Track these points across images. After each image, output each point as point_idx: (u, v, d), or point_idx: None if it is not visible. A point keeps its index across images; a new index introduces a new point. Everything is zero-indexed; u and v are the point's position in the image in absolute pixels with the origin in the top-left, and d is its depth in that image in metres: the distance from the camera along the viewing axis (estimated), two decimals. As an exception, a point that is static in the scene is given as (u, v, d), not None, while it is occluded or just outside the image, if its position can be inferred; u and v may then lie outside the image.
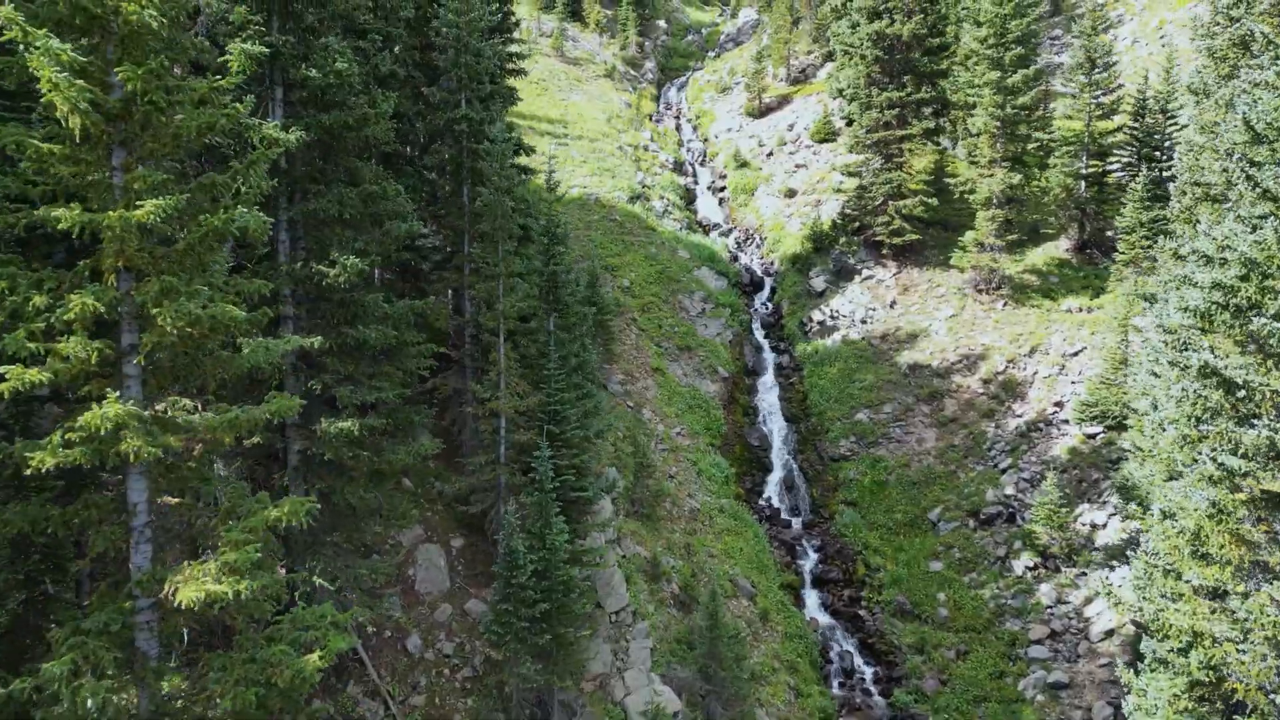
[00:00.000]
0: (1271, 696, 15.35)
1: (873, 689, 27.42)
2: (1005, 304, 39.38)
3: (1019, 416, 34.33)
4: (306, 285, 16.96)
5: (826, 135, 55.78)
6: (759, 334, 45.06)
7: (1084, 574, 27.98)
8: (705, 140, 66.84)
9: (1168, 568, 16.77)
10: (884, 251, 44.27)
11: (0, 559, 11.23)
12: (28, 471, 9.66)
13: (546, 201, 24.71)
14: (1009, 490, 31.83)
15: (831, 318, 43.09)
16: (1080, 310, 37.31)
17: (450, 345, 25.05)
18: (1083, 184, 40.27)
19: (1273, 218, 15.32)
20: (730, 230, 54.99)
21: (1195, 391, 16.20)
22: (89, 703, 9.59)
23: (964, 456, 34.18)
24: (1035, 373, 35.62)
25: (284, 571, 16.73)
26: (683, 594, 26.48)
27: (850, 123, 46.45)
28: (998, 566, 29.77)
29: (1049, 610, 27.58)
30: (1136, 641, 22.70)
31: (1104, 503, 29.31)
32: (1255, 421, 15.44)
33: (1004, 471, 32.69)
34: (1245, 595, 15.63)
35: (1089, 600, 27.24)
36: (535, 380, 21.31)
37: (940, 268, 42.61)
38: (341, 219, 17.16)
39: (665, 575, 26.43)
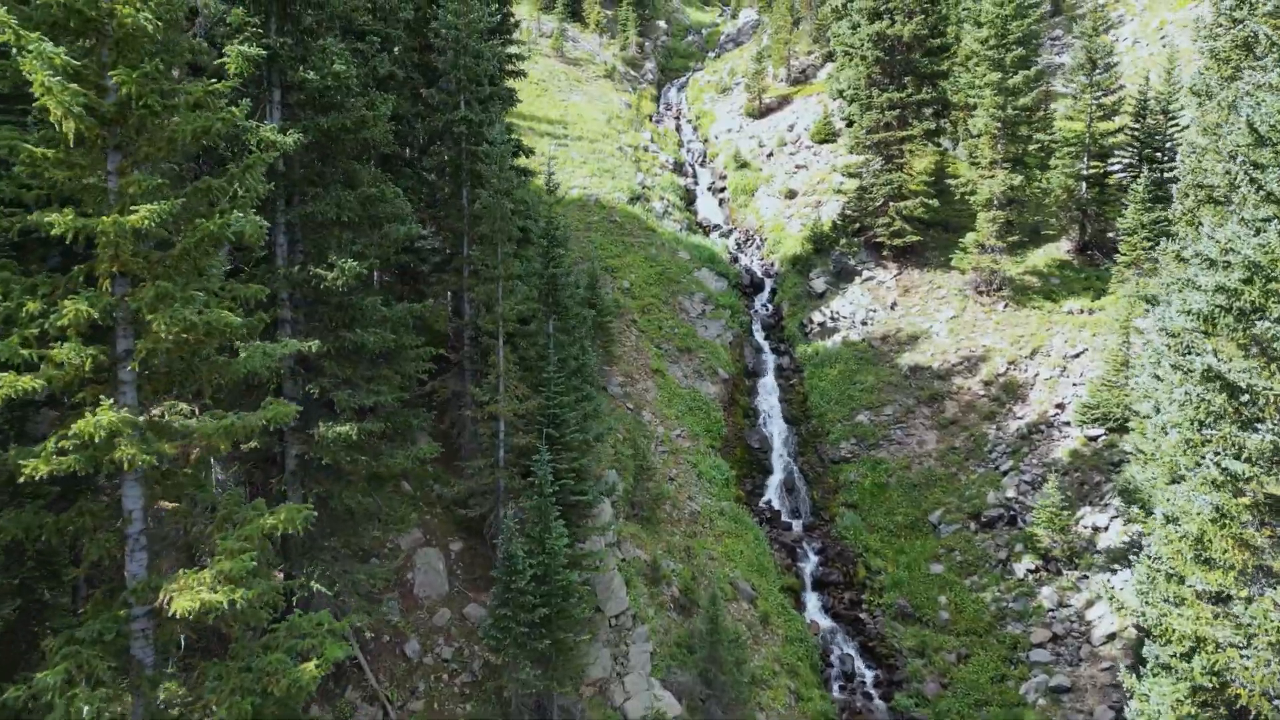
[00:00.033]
0: (1275, 702, 15.26)
1: (873, 693, 27.32)
2: (1006, 305, 39.29)
3: (1020, 419, 34.24)
4: (304, 288, 16.87)
5: (827, 136, 55.70)
6: (759, 335, 44.96)
7: (1085, 577, 27.89)
8: (705, 141, 66.74)
9: (1170, 572, 16.67)
10: (884, 253, 44.18)
11: (-5, 566, 11.15)
12: (21, 479, 9.55)
13: (546, 203, 24.64)
14: (1010, 493, 31.74)
15: (832, 319, 42.99)
16: (1081, 312, 37.22)
17: (449, 348, 24.96)
18: (1084, 185, 40.18)
19: (1276, 220, 15.23)
20: (730, 231, 54.89)
21: (1198, 395, 16.11)
22: (84, 712, 9.49)
23: (965, 459, 34.08)
24: (1036, 374, 35.52)
25: (281, 576, 16.65)
26: (683, 597, 26.39)
27: (851, 124, 46.36)
28: (999, 569, 29.67)
29: (1050, 613, 27.49)
30: (1138, 645, 22.61)
31: (1106, 505, 29.21)
32: (1259, 426, 15.36)
33: (1005, 474, 32.59)
34: (1248, 600, 15.55)
35: (1091, 603, 27.15)
36: (535, 383, 21.22)
37: (941, 269, 42.52)
38: (340, 222, 17.06)
39: (665, 578, 26.33)
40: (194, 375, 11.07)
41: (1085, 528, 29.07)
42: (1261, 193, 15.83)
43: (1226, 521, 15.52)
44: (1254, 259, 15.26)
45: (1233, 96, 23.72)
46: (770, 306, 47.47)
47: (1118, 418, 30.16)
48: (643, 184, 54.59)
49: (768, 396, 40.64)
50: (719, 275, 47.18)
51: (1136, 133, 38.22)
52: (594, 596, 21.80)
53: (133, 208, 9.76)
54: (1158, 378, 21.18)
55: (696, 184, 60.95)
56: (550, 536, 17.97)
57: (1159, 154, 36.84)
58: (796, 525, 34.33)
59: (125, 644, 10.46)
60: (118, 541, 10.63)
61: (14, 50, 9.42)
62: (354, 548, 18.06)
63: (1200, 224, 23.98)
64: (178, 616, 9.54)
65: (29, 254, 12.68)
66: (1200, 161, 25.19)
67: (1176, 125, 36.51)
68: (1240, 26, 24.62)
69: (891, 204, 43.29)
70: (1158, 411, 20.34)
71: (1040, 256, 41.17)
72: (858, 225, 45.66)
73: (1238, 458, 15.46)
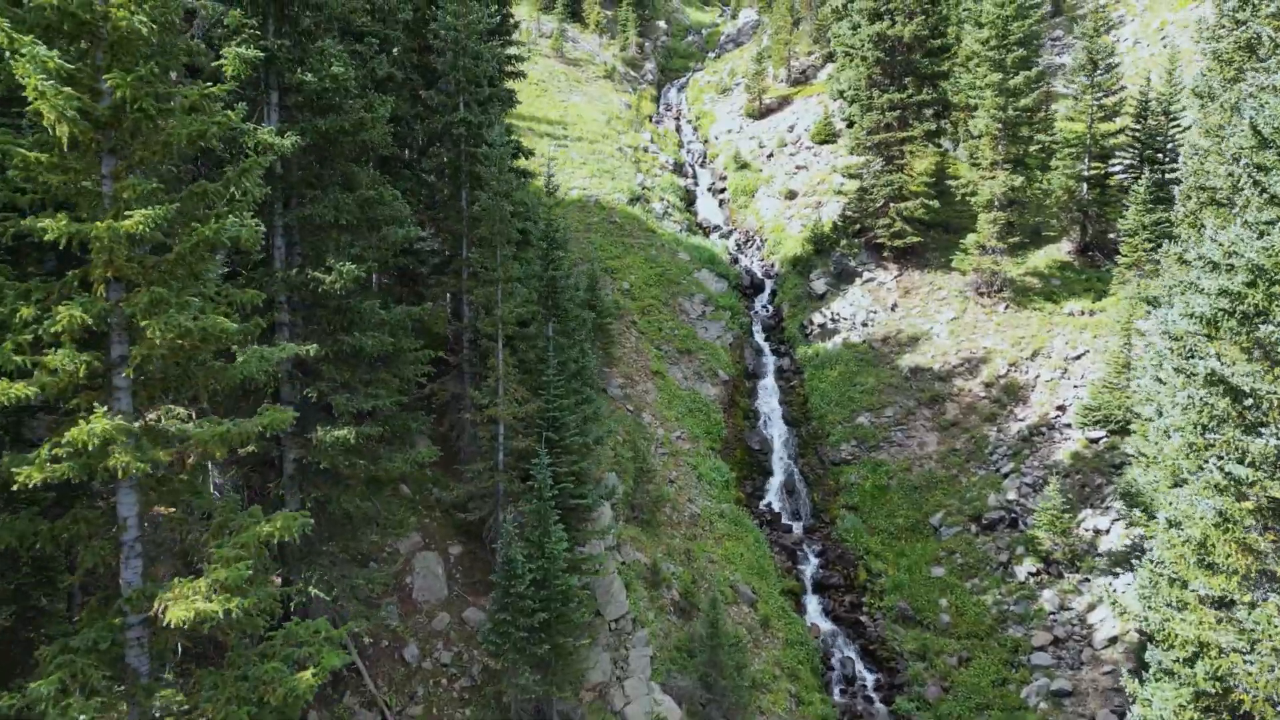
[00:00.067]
0: (1279, 708, 15.15)
1: (874, 696, 27.23)
2: (1007, 307, 39.19)
3: (1021, 420, 34.13)
4: (302, 292, 16.77)
5: (827, 137, 55.61)
6: (759, 337, 44.87)
7: (1087, 580, 27.79)
8: (705, 141, 66.65)
9: (1173, 576, 16.58)
10: (885, 254, 44.08)
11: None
12: (15, 487, 9.46)
13: (546, 205, 24.55)
14: (1011, 495, 31.64)
15: (832, 320, 42.90)
16: (1082, 313, 37.11)
17: (449, 350, 24.86)
18: (1084, 186, 40.08)
19: (1280, 223, 15.13)
20: (730, 232, 54.80)
21: (1201, 399, 16.01)
22: (78, 720, 9.41)
23: (966, 461, 33.98)
24: (1037, 376, 35.42)
25: (279, 581, 16.56)
26: (683, 601, 26.30)
27: (851, 124, 46.26)
28: (1000, 572, 29.57)
29: (1052, 616, 27.39)
30: (1140, 649, 22.52)
31: (1107, 508, 29.12)
32: (1262, 430, 15.26)
33: (1006, 476, 32.49)
34: (1252, 605, 15.45)
35: (1092, 606, 27.05)
36: (534, 386, 21.11)
37: (941, 270, 42.41)
38: (338, 224, 16.96)
39: (665, 582, 26.24)
40: (190, 381, 10.98)
41: (1086, 530, 28.98)
42: (1265, 195, 15.73)
43: (1229, 526, 15.43)
44: (1258, 262, 15.16)
45: (1235, 98, 23.62)
46: (770, 308, 47.37)
47: (1119, 420, 30.06)
48: (643, 185, 54.50)
49: (768, 398, 40.54)
50: (719, 276, 47.09)
51: (1137, 134, 38.12)
52: (594, 600, 21.70)
53: (127, 213, 9.67)
54: (1160, 381, 21.08)
55: (696, 185, 60.86)
56: (550, 541, 17.88)
57: (1160, 155, 36.74)
58: (797, 527, 34.23)
59: (120, 652, 10.38)
60: (113, 549, 10.54)
61: (7, 54, 9.32)
62: (352, 552, 17.96)
63: (1203, 226, 23.88)
64: (172, 626, 9.44)
65: (25, 257, 12.61)
66: (1203, 163, 25.09)
67: (1178, 126, 36.41)
68: (1243, 28, 24.52)
69: (892, 205, 43.19)
70: (1160, 415, 20.24)
71: (1041, 258, 41.08)
72: (858, 226, 45.55)
73: (1241, 462, 15.36)
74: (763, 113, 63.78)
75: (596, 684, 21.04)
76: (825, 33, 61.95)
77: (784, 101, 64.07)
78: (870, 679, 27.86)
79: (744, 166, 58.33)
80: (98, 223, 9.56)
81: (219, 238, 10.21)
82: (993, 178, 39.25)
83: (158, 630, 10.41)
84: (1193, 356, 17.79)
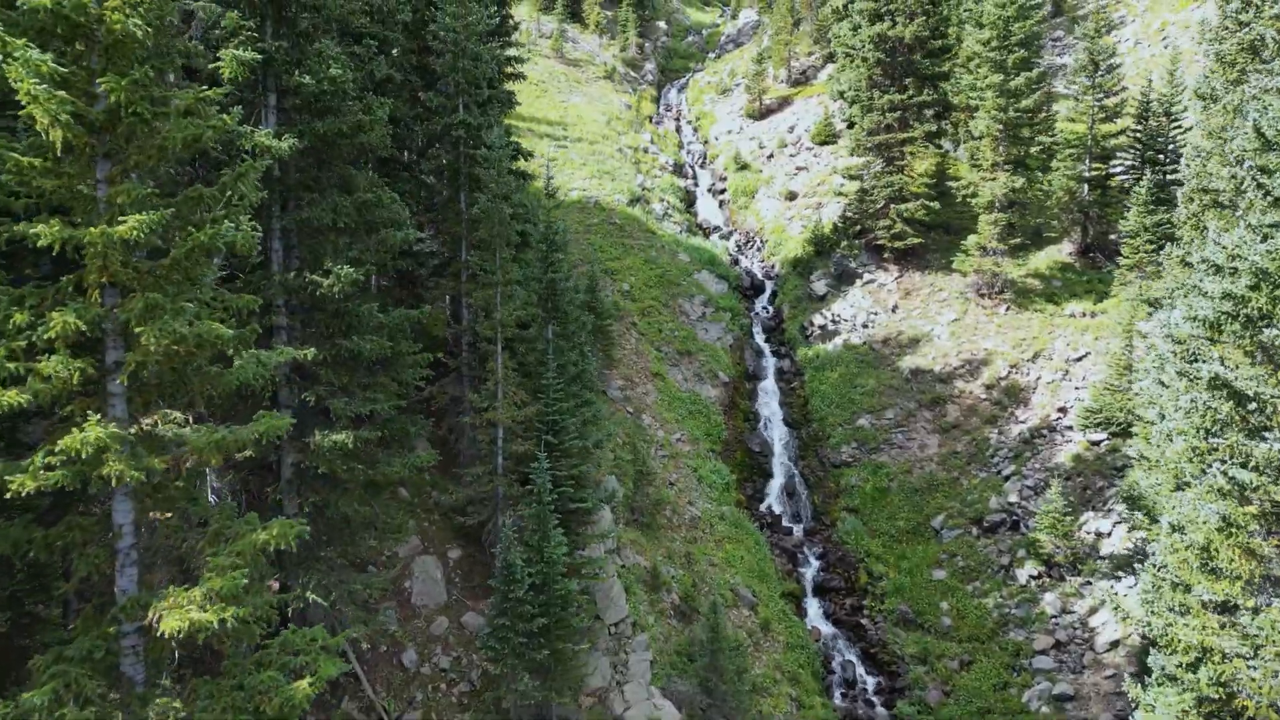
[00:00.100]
0: (1283, 715, 15.05)
1: (875, 700, 27.13)
2: (1008, 308, 39.10)
3: (1022, 422, 34.03)
4: (300, 295, 16.68)
5: (827, 137, 55.51)
6: (760, 338, 44.77)
7: (1089, 583, 27.69)
8: (705, 142, 66.54)
9: (1176, 581, 16.48)
10: (885, 255, 43.99)
11: (-17, 581, 10.96)
12: (8, 495, 9.36)
13: (545, 207, 24.46)
14: (1012, 497, 31.54)
15: (833, 322, 42.80)
16: (1084, 315, 37.02)
17: (448, 352, 24.76)
18: (1085, 187, 39.97)
19: (1285, 227, 15.03)
20: (731, 233, 54.70)
21: (1205, 403, 15.91)
22: (72, 731, 9.31)
23: (967, 463, 33.88)
24: (1039, 378, 35.32)
25: (276, 587, 16.46)
26: (683, 604, 26.19)
27: (851, 125, 46.17)
28: (1001, 575, 29.47)
29: (1053, 620, 27.29)
30: (1143, 653, 22.41)
31: (1109, 511, 29.02)
32: (1266, 434, 15.17)
33: (1007, 478, 32.39)
34: (1256, 610, 15.36)
35: (1094, 610, 26.95)
36: (533, 389, 21.03)
37: (942, 271, 42.32)
38: (336, 227, 16.88)
39: (665, 585, 26.14)
40: (185, 386, 10.88)
41: (1088, 533, 28.88)
42: (1269, 198, 15.64)
43: (1233, 531, 15.33)
44: (1261, 265, 15.06)
45: (1239, 100, 23.51)
46: (771, 309, 47.27)
47: (1121, 422, 29.96)
48: (642, 186, 54.40)
49: (768, 400, 40.44)
50: (719, 278, 46.99)
51: (1139, 135, 38.04)
52: (593, 605, 21.61)
53: (121, 218, 9.57)
54: (1162, 384, 20.98)
55: (696, 186, 60.76)
56: (549, 545, 17.78)
57: (1161, 156, 36.65)
58: (797, 530, 34.14)
59: (115, 661, 10.27)
60: (108, 556, 10.44)
61: (0, 57, 9.22)
62: (350, 557, 17.88)
63: (1205, 228, 23.78)
64: (166, 637, 9.34)
65: (20, 261, 12.51)
66: (1205, 165, 24.98)
67: (1179, 127, 36.32)
68: (1246, 30, 24.42)
69: (892, 206, 43.10)
70: (1162, 418, 20.13)
71: (1042, 259, 40.98)
72: (859, 227, 45.46)
73: (1245, 466, 15.27)
74: (763, 113, 63.68)
75: (596, 689, 20.94)
76: (826, 33, 61.84)
77: (784, 102, 63.97)
78: (871, 682, 27.77)
79: (744, 167, 58.23)
80: (91, 228, 9.47)
81: (214, 243, 10.11)
82: (993, 179, 39.15)
83: (153, 639, 10.31)
84: (1196, 360, 17.68)
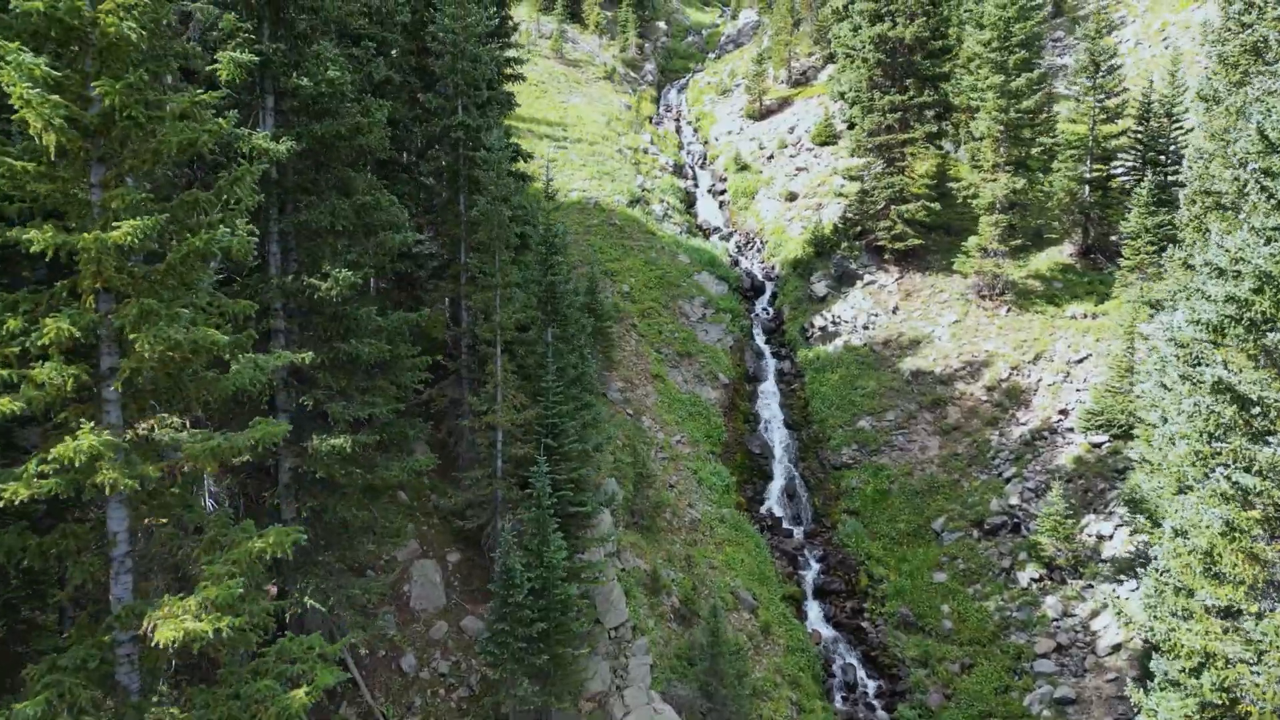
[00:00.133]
0: (1287, 721, 14.96)
1: (876, 703, 27.03)
2: (1009, 310, 38.99)
3: (1023, 424, 33.93)
4: (298, 298, 16.58)
5: (828, 138, 55.41)
6: (760, 339, 44.66)
7: (1090, 586, 27.58)
8: (705, 143, 66.44)
9: (1179, 586, 16.39)
10: (886, 256, 43.89)
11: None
12: (1, 502, 9.26)
13: (545, 209, 24.36)
14: (1013, 500, 31.44)
15: (833, 323, 42.70)
16: (1085, 316, 36.92)
17: (447, 355, 24.67)
18: (1087, 188, 39.88)
19: (1288, 230, 14.94)
20: (731, 234, 54.60)
21: (1208, 407, 15.82)
22: (66, 741, 9.22)
23: (968, 465, 33.78)
24: (1039, 380, 35.22)
25: (274, 592, 16.36)
26: (683, 608, 26.09)
27: (852, 126, 46.07)
28: (1002, 578, 29.36)
29: (1055, 623, 27.18)
30: (1145, 656, 22.32)
31: (1110, 514, 28.91)
32: (1270, 438, 15.08)
33: (1008, 481, 32.28)
34: (1259, 615, 15.27)
35: (1096, 613, 26.84)
36: (533, 392, 20.93)
37: (943, 273, 42.22)
38: (334, 230, 16.77)
39: (665, 588, 26.03)
40: (181, 392, 10.79)
41: (1090, 536, 28.77)
42: (1272, 201, 15.55)
43: (1236, 535, 15.24)
44: (1265, 269, 14.97)
45: (1241, 102, 23.42)
46: (771, 310, 47.17)
47: (1122, 424, 29.86)
48: (642, 186, 54.30)
49: (769, 402, 40.33)
50: (719, 279, 46.89)
51: (1140, 136, 37.95)
52: (593, 609, 21.52)
53: (116, 223, 9.47)
54: (1165, 387, 20.89)
55: (696, 186, 60.66)
56: (548, 549, 17.69)
57: (1163, 157, 36.56)
58: (798, 532, 34.03)
59: (110, 670, 10.18)
60: (102, 565, 10.35)
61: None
62: (349, 561, 17.77)
63: (1207, 230, 23.69)
64: (161, 646, 9.24)
65: (15, 265, 12.42)
66: (1207, 167, 24.89)
67: (1180, 128, 36.22)
68: (1249, 31, 24.33)
69: (893, 207, 43.00)
70: (1165, 421, 20.05)
71: (1043, 260, 40.88)
72: (859, 228, 45.36)
73: (1248, 471, 15.18)
74: (763, 114, 63.59)
75: (596, 694, 20.84)
76: (826, 34, 61.76)
77: (784, 103, 63.88)
78: (872, 686, 27.66)
79: (744, 168, 58.13)
80: (85, 233, 9.38)
81: (210, 248, 10.02)
82: (994, 180, 39.06)
83: (148, 647, 10.21)
84: (1199, 363, 17.59)
